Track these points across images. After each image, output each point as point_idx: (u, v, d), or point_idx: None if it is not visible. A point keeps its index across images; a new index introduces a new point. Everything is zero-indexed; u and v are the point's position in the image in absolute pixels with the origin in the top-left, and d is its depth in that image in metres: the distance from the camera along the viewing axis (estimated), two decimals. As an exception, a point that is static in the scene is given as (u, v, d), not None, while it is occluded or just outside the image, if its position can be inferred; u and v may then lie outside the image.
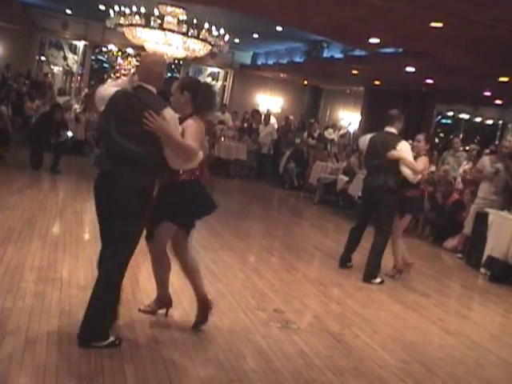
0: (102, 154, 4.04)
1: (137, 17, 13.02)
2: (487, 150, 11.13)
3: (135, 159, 3.80)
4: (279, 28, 13.40)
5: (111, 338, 3.86)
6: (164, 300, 4.57)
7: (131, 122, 3.79)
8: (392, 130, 6.91)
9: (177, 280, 5.40)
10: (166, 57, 13.39)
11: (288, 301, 5.56)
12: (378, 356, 4.54)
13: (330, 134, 17.92)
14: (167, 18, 13.16)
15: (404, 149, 6.75)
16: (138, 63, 19.95)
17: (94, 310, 3.81)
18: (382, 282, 6.74)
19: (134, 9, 12.93)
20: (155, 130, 3.73)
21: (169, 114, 3.82)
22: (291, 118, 18.07)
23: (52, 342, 3.76)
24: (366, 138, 7.15)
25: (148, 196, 3.97)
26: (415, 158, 6.87)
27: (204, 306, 4.46)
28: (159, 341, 4.09)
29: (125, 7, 13.00)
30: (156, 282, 4.54)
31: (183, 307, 4.83)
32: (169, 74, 20.03)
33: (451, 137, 18.44)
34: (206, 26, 12.91)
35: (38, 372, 3.37)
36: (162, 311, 4.59)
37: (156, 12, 12.82)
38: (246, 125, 16.87)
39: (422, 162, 6.89)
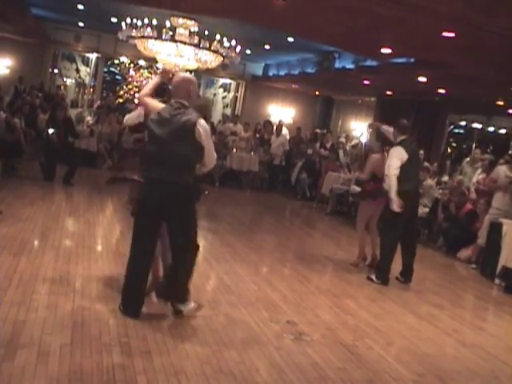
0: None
1: (148, 29, 13.13)
2: (502, 160, 11.04)
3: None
4: (290, 39, 13.45)
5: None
6: None
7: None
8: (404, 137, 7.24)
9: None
10: (177, 68, 13.48)
11: (301, 312, 5.52)
12: (392, 368, 4.49)
13: (343, 138, 17.91)
14: (179, 30, 13.25)
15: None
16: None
17: (183, 275, 4.74)
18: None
19: (146, 21, 13.03)
20: None
21: (203, 123, 4.55)
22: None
23: (65, 355, 3.75)
24: (400, 149, 7.11)
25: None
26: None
27: None
28: (172, 353, 4.07)
29: (137, 19, 13.10)
30: None
31: (196, 321, 4.82)
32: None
33: (464, 146, 18.36)
34: (218, 37, 12.98)
35: (50, 385, 3.36)
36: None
37: (168, 24, 12.91)
38: (257, 136, 16.87)
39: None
